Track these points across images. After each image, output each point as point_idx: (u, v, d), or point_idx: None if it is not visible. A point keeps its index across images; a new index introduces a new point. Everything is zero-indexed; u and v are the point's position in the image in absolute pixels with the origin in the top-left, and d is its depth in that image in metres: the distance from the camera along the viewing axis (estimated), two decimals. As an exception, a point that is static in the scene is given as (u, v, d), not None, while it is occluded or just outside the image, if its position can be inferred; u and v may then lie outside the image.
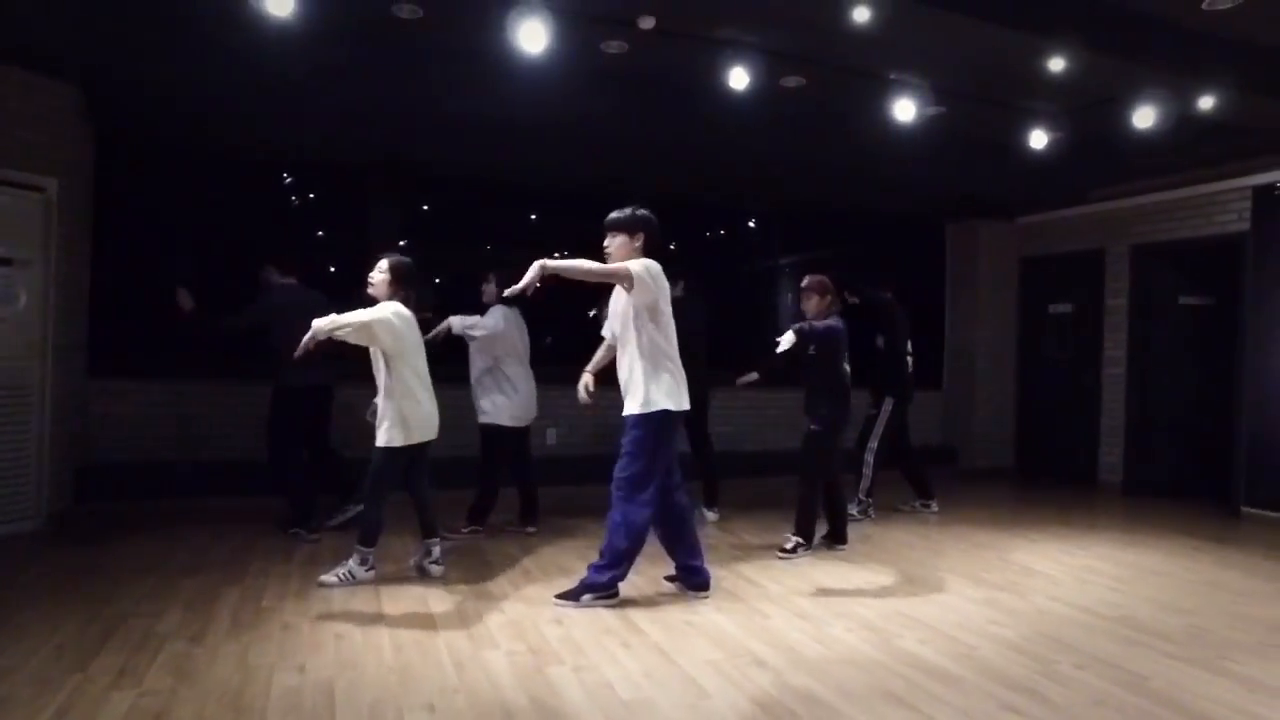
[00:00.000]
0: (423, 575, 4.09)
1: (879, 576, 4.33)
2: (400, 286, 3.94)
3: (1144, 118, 5.23)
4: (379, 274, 3.94)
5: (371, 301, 3.96)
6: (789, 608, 3.76)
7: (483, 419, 4.91)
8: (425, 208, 7.50)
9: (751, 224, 9.22)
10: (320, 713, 2.57)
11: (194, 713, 2.54)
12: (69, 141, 4.95)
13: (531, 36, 4.19)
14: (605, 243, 3.71)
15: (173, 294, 4.62)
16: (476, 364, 4.92)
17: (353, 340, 3.76)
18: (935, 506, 6.09)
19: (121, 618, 3.36)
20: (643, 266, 3.58)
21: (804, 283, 4.75)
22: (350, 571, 3.94)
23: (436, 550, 4.13)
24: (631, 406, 3.68)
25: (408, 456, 3.98)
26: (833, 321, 4.65)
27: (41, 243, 4.76)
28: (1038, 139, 5.77)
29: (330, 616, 3.48)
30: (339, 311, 3.76)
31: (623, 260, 3.63)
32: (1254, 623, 3.71)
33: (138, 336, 5.82)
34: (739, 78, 4.78)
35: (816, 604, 3.83)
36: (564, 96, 5.10)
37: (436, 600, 3.75)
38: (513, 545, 4.79)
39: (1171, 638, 3.47)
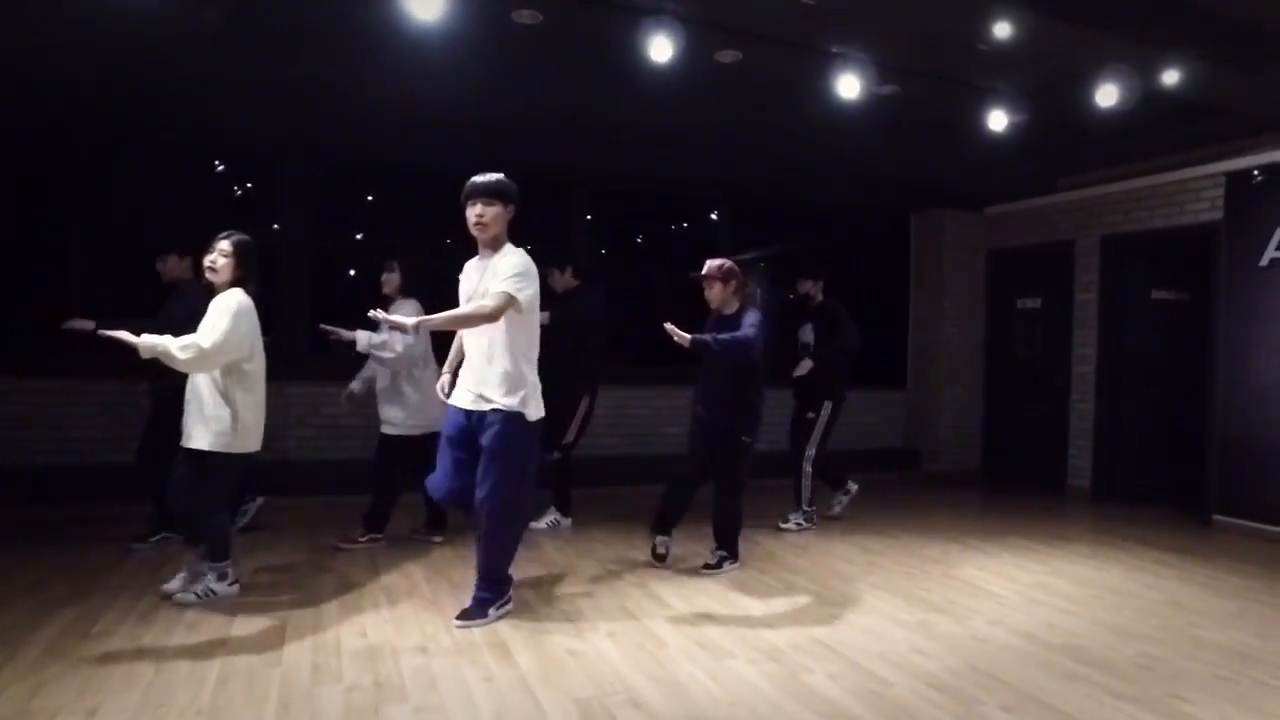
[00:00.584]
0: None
1: (803, 596, 3.92)
2: (244, 269, 3.50)
3: (1107, 95, 4.83)
4: (221, 257, 3.46)
5: (206, 289, 3.54)
6: (691, 634, 3.35)
7: (389, 430, 4.50)
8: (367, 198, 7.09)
9: (714, 216, 8.84)
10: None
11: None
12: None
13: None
14: (479, 211, 3.28)
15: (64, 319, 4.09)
16: (383, 375, 4.52)
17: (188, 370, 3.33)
18: (854, 486, 5.67)
19: (-83, 647, 2.95)
20: (527, 283, 3.27)
21: (706, 268, 4.23)
22: (209, 588, 3.53)
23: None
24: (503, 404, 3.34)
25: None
26: (755, 320, 4.12)
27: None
28: (997, 120, 5.37)
29: (162, 644, 3.06)
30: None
31: (498, 229, 3.32)
32: (1211, 650, 3.32)
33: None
34: (662, 49, 4.37)
35: (724, 630, 3.42)
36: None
37: (297, 622, 3.33)
38: (411, 557, 4.38)
39: (1119, 671, 3.07)
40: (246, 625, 3.27)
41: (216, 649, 3.03)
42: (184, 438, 3.46)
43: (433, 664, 2.96)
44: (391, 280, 4.52)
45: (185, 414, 3.47)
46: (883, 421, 7.79)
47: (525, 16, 4.48)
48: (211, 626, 3.25)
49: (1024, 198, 7.28)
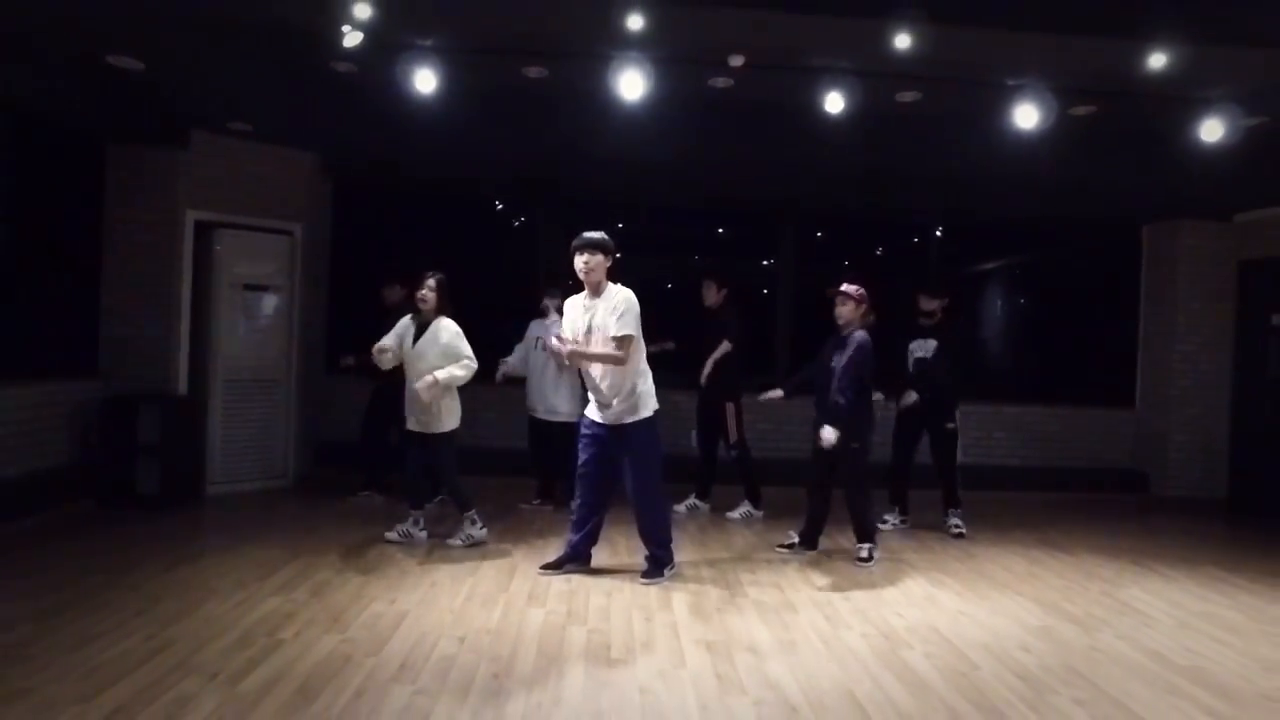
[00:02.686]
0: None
1: (942, 593, 4.34)
2: (445, 300, 4.77)
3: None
4: (429, 291, 4.72)
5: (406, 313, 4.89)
6: (822, 608, 4.00)
7: (553, 417, 5.75)
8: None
9: (939, 232, 8.96)
10: None
11: None
12: (310, 195, 6.52)
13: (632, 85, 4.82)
14: (585, 259, 4.17)
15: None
16: (553, 371, 5.73)
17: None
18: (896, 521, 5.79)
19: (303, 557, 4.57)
20: (636, 319, 4.19)
21: (843, 287, 4.76)
22: (469, 533, 4.88)
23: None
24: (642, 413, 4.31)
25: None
26: (865, 338, 4.70)
27: (289, 273, 6.34)
28: (1210, 131, 5.17)
29: (438, 564, 4.40)
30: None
31: (600, 275, 4.22)
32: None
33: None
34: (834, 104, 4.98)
35: (852, 608, 4.01)
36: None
37: (524, 563, 4.53)
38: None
39: (1236, 698, 3.16)
40: (481, 565, 4.54)
41: (465, 578, 4.30)
42: (423, 426, 4.79)
43: (612, 604, 3.96)
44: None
45: (421, 408, 4.75)
46: (1106, 441, 7.50)
47: (720, 82, 5.39)
48: (468, 565, 4.55)
49: (1282, 204, 6.63)
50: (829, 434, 4.55)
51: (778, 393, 5.11)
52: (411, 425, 4.88)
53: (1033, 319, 8.85)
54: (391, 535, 4.91)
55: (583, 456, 4.38)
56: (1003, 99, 5.23)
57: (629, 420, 4.26)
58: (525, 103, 5.63)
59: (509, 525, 5.44)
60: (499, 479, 6.35)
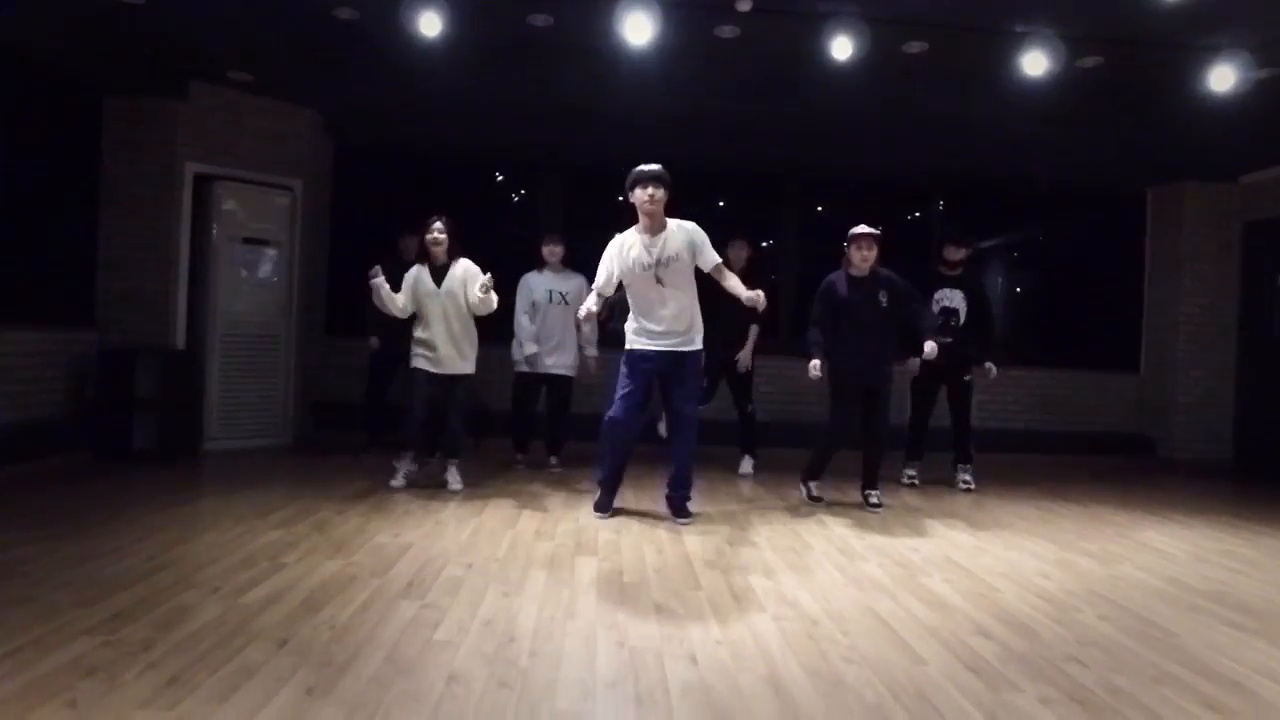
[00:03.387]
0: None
1: (956, 533, 4.28)
2: (456, 241, 4.75)
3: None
4: (440, 234, 4.70)
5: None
6: (835, 543, 3.93)
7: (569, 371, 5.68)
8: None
9: (941, 205, 8.91)
10: (391, 560, 3.37)
11: (310, 549, 3.46)
12: (311, 152, 6.43)
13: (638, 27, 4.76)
14: (651, 192, 4.13)
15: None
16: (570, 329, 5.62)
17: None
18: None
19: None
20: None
21: (870, 230, 4.74)
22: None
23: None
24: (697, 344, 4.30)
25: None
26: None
27: (289, 230, 6.25)
28: (1221, 79, 5.13)
29: (441, 505, 4.32)
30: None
31: (662, 208, 4.19)
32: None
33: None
34: (843, 47, 4.93)
35: (866, 543, 3.95)
36: (682, 84, 5.62)
37: (530, 506, 4.45)
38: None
39: (1257, 613, 3.14)
40: (486, 506, 4.46)
41: (473, 515, 4.22)
42: (449, 366, 4.74)
43: (621, 539, 3.88)
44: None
45: (450, 349, 4.74)
46: (1111, 405, 7.46)
47: (725, 31, 5.33)
48: (473, 507, 4.47)
49: (1289, 162, 6.61)
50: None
51: (817, 364, 4.77)
52: (433, 368, 4.77)
53: (1036, 289, 8.79)
54: (396, 482, 4.83)
55: (631, 387, 4.27)
56: (1011, 48, 5.21)
57: (688, 349, 4.25)
58: (528, 55, 5.57)
59: (511, 478, 5.36)
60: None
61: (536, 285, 5.63)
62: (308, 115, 6.34)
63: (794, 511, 4.69)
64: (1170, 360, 7.26)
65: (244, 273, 6.06)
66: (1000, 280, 9.15)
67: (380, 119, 6.55)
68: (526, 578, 3.21)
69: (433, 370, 4.78)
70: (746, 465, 5.86)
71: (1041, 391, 7.45)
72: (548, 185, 7.58)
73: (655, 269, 4.17)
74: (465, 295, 4.71)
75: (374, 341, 5.83)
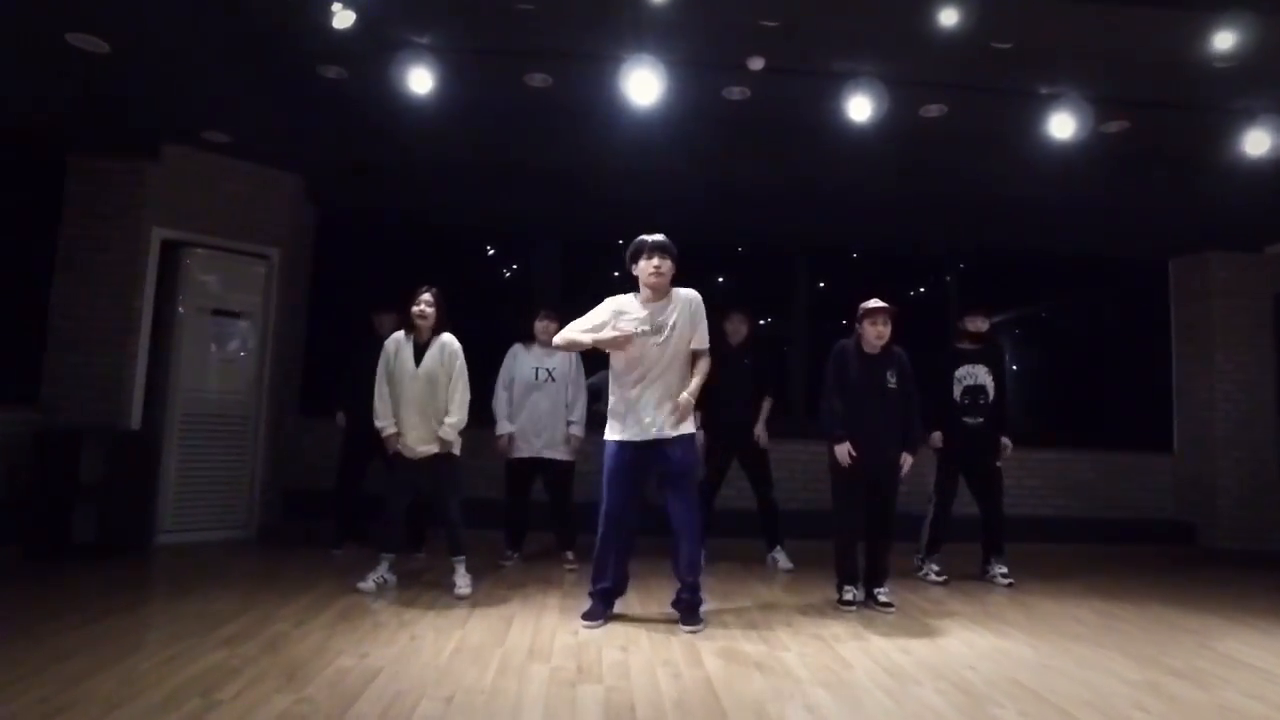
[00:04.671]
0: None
1: (1014, 644, 3.70)
2: (444, 313, 4.31)
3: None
4: (428, 306, 4.24)
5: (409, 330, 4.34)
6: (880, 662, 3.35)
7: (567, 457, 5.17)
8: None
9: (948, 278, 8.60)
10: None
11: (255, 678, 2.83)
12: (290, 218, 6.02)
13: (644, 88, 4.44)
14: (657, 263, 3.76)
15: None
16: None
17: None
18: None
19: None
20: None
21: (884, 305, 4.32)
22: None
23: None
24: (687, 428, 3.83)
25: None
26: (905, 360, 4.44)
27: (264, 301, 5.78)
28: (1256, 143, 4.86)
29: (417, 620, 3.71)
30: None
31: (668, 281, 3.84)
32: None
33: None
34: (860, 108, 4.64)
35: (913, 661, 3.37)
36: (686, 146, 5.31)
37: (521, 617, 3.84)
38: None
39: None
40: (470, 616, 3.85)
41: (455, 627, 3.62)
42: (428, 447, 4.23)
43: (630, 659, 3.28)
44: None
45: (425, 429, 4.24)
46: (1143, 489, 6.95)
47: (734, 93, 5.03)
48: (456, 616, 3.86)
49: (1318, 232, 6.32)
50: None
51: (848, 446, 4.26)
52: (416, 451, 4.25)
53: (1056, 364, 8.40)
54: (365, 585, 4.22)
55: (618, 482, 3.79)
56: (1033, 111, 4.94)
57: (672, 434, 3.74)
58: (525, 119, 5.26)
59: (501, 578, 4.76)
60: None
61: (523, 362, 5.15)
62: (288, 179, 5.96)
63: (822, 616, 4.10)
64: (1208, 440, 6.79)
65: (213, 347, 5.57)
66: (1017, 355, 8.78)
67: (366, 184, 6.18)
68: (519, 718, 2.62)
69: (414, 455, 4.26)
70: (783, 559, 5.29)
71: (1067, 474, 6.95)
72: (544, 254, 7.18)
73: (653, 335, 3.76)
74: (442, 377, 4.26)
75: (340, 418, 5.31)
